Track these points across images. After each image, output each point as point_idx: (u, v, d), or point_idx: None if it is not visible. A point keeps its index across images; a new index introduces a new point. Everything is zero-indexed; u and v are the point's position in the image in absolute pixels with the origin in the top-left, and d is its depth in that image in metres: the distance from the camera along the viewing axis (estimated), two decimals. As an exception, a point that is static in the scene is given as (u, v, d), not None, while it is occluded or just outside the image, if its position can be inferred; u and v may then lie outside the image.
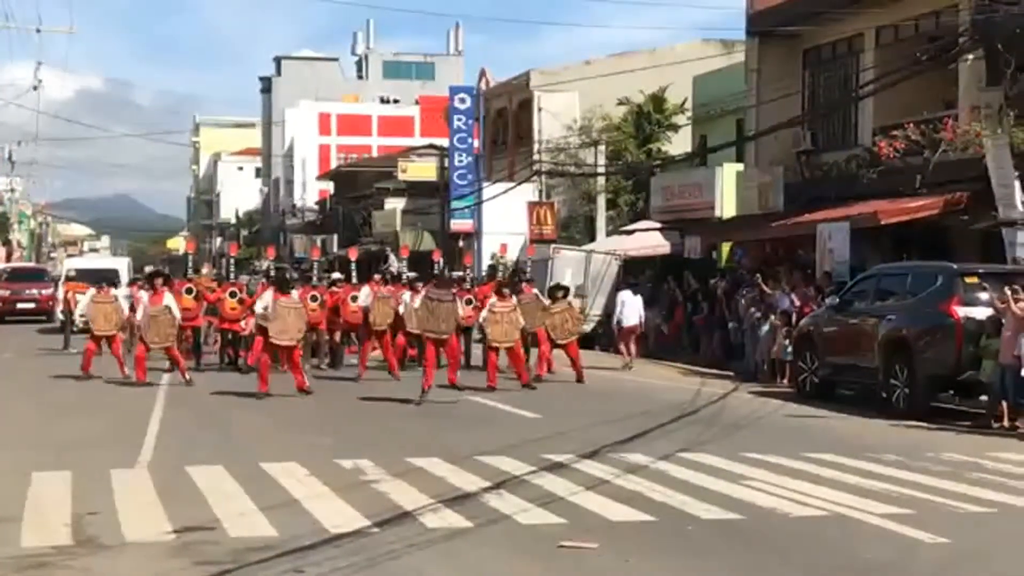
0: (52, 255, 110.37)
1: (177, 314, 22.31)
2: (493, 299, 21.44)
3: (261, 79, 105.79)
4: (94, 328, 23.14)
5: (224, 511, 10.31)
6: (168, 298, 22.38)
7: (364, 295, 24.06)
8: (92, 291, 24.08)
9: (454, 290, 20.65)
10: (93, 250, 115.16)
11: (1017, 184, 21.24)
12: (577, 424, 16.43)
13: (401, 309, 23.03)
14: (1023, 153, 21.69)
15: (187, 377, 21.94)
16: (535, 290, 24.32)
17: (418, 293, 23.90)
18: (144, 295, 23.17)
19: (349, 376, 23.08)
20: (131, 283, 32.77)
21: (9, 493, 11.04)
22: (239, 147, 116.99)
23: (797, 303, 23.61)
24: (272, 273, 30.47)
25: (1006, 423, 16.83)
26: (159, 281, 23.14)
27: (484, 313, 21.43)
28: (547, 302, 23.37)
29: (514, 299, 21.34)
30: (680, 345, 31.22)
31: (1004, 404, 16.93)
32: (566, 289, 24.88)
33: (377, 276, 25.68)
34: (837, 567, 8.78)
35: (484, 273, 38.74)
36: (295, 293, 20.93)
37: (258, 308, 20.20)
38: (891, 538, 9.77)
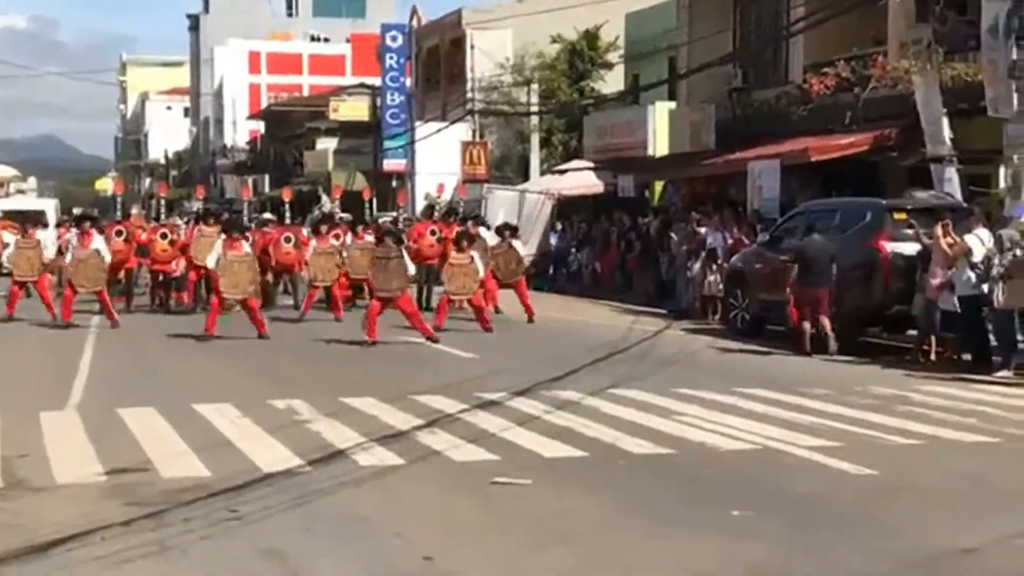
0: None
1: (107, 257, 22.01)
2: (452, 251, 21.21)
3: (189, 16, 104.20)
4: (16, 273, 22.69)
5: (156, 452, 10.27)
6: (98, 241, 22.08)
7: (311, 251, 23.77)
8: (16, 238, 23.58)
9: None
10: (20, 192, 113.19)
11: (945, 120, 21.41)
12: (511, 363, 16.49)
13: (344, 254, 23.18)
14: (952, 89, 21.84)
15: (114, 319, 21.70)
16: (481, 228, 24.27)
17: (359, 238, 23.92)
18: (73, 238, 22.83)
19: (283, 317, 22.95)
20: (59, 225, 32.38)
21: (-64, 437, 10.91)
22: (167, 86, 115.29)
23: (729, 241, 23.73)
24: (201, 213, 30.16)
25: (933, 357, 17.07)
26: (87, 224, 22.81)
27: (445, 266, 21.30)
28: (492, 242, 23.34)
29: (472, 252, 21.13)
30: (613, 284, 31.35)
31: (932, 339, 17.18)
32: (514, 228, 24.86)
33: (324, 228, 25.19)
34: (767, 500, 8.89)
35: (420, 212, 38.64)
36: (246, 245, 20.62)
37: (210, 263, 19.96)
38: (820, 471, 9.92)
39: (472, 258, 20.89)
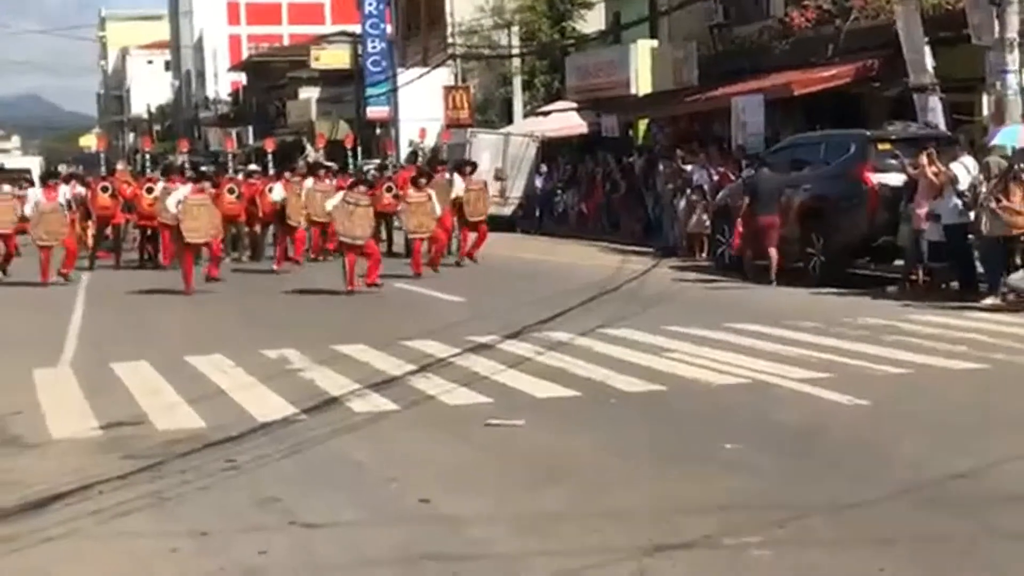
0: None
1: (65, 213, 21.90)
2: (409, 190, 21.36)
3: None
4: None
5: (150, 405, 10.30)
6: (63, 195, 22.21)
7: (278, 191, 23.85)
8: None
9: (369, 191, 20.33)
10: (3, 151, 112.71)
11: (927, 49, 21.36)
12: (500, 306, 16.52)
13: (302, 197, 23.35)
14: (933, 18, 21.80)
15: (68, 271, 21.61)
16: (447, 173, 24.20)
17: (321, 180, 23.92)
18: (38, 192, 22.56)
19: (265, 269, 22.98)
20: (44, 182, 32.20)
21: (-70, 397, 10.92)
22: (147, 40, 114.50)
23: (715, 177, 23.73)
24: (180, 166, 30.13)
25: (921, 286, 17.13)
26: (52, 181, 23.09)
27: (400, 205, 21.37)
28: (458, 181, 23.29)
29: (428, 190, 21.20)
30: (600, 224, 31.37)
31: (919, 268, 17.24)
32: (474, 165, 24.87)
33: (288, 173, 25.48)
34: (759, 433, 8.96)
35: (404, 159, 38.55)
36: (208, 187, 20.62)
37: (170, 204, 19.91)
38: (811, 402, 9.99)
39: (429, 196, 20.94)
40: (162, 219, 22.86)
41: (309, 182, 24.34)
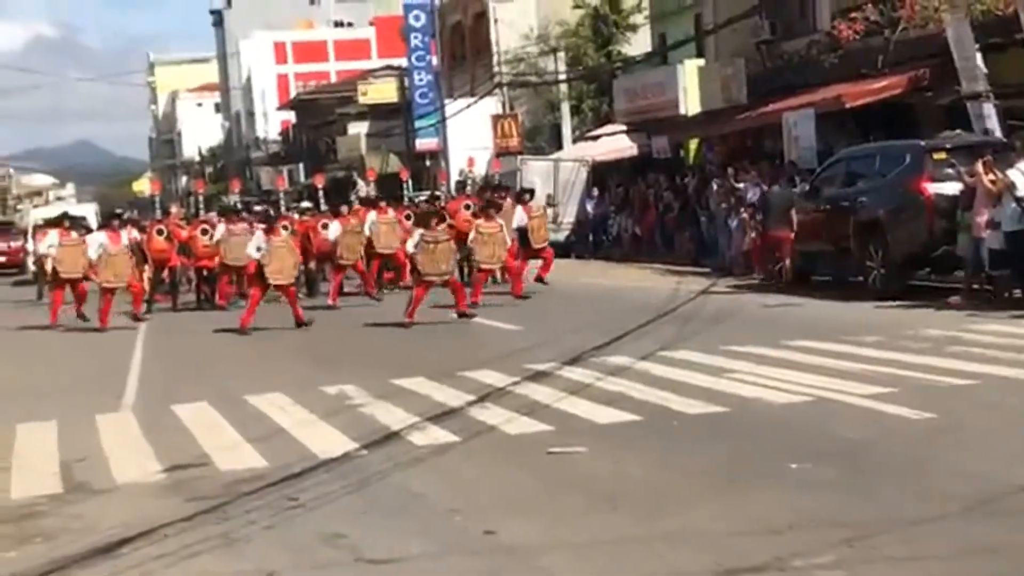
0: (18, 207, 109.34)
1: (130, 255, 22.14)
2: (480, 220, 21.18)
3: (212, 12, 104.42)
4: (60, 270, 22.18)
5: (212, 446, 10.32)
6: (125, 238, 22.47)
7: (334, 229, 23.88)
8: (54, 233, 23.38)
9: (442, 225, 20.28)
10: (59, 199, 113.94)
11: (979, 56, 21.15)
12: (556, 332, 16.47)
13: (367, 231, 23.40)
14: (983, 24, 21.60)
15: (139, 312, 21.80)
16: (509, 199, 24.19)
17: (383, 212, 23.97)
18: (103, 237, 22.67)
19: (321, 305, 23.04)
20: (100, 228, 32.51)
21: (-5, 446, 11.00)
22: (196, 83, 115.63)
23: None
24: (234, 207, 30.36)
25: (983, 295, 16.91)
26: (115, 223, 23.18)
27: (472, 235, 21.22)
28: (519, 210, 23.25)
29: (499, 220, 21.05)
30: (654, 246, 31.26)
31: (980, 277, 17.02)
32: (531, 192, 24.84)
33: (345, 208, 25.57)
34: (824, 450, 8.84)
35: (453, 189, 38.63)
36: (284, 231, 20.75)
37: (252, 251, 19.95)
38: (875, 417, 9.86)
39: (501, 226, 20.86)
40: (228, 261, 23.12)
41: (372, 215, 24.38)
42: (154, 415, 12.09)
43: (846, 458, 8.59)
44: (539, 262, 22.73)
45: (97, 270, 21.76)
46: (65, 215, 27.13)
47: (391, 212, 24.70)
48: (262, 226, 20.99)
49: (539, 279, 22.80)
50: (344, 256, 23.41)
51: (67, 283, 22.35)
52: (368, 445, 9.87)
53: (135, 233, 25.41)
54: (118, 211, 29.22)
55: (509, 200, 24.00)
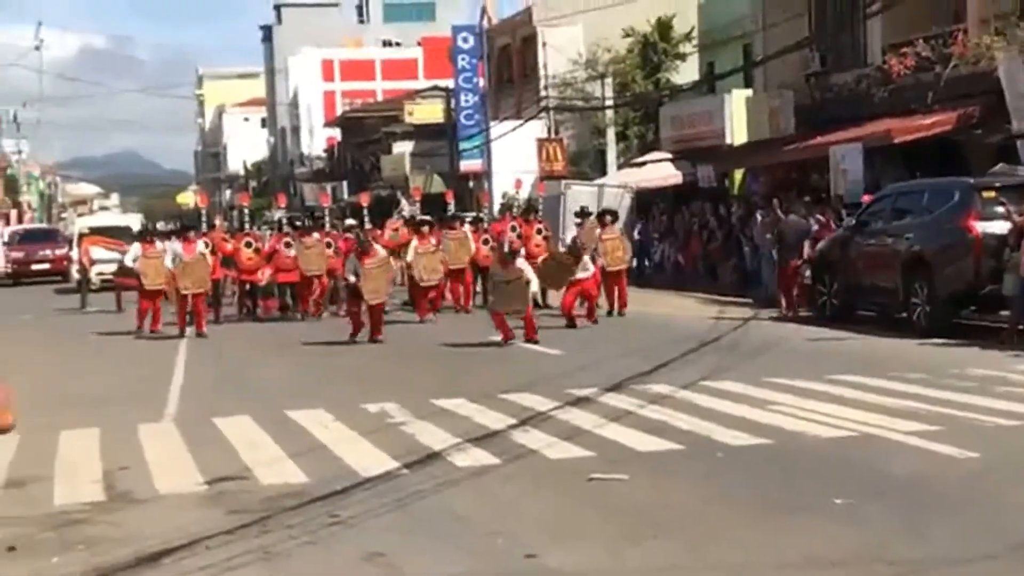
0: (63, 215, 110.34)
1: (209, 260, 23.08)
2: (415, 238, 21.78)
3: (262, 28, 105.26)
4: (145, 282, 22.61)
5: (254, 460, 10.35)
6: (201, 246, 23.24)
7: (411, 251, 24.06)
8: (137, 245, 23.93)
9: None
10: (103, 208, 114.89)
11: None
12: (598, 358, 16.44)
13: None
14: (1035, 64, 21.48)
15: (203, 330, 22.01)
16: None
17: (425, 239, 23.94)
18: (178, 246, 23.35)
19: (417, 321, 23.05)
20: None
21: (39, 453, 11.08)
22: (243, 98, 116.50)
23: (815, 227, 23.46)
24: (284, 222, 30.45)
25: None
26: (191, 233, 24.12)
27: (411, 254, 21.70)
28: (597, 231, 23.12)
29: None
30: (697, 275, 31.16)
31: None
32: (614, 213, 24.64)
33: (425, 228, 25.41)
34: (869, 486, 8.78)
35: (497, 211, 38.71)
36: (379, 250, 20.88)
37: (350, 275, 20.00)
38: (921, 455, 9.78)
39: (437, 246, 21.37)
40: (307, 272, 24.24)
41: (414, 242, 24.28)
42: (196, 427, 12.14)
43: (891, 495, 8.52)
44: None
45: (176, 277, 22.19)
46: (145, 228, 27.89)
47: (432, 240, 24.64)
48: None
49: (619, 312, 22.62)
50: (425, 278, 23.54)
51: (152, 294, 22.68)
52: (409, 464, 9.88)
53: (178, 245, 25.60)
54: (187, 223, 29.34)
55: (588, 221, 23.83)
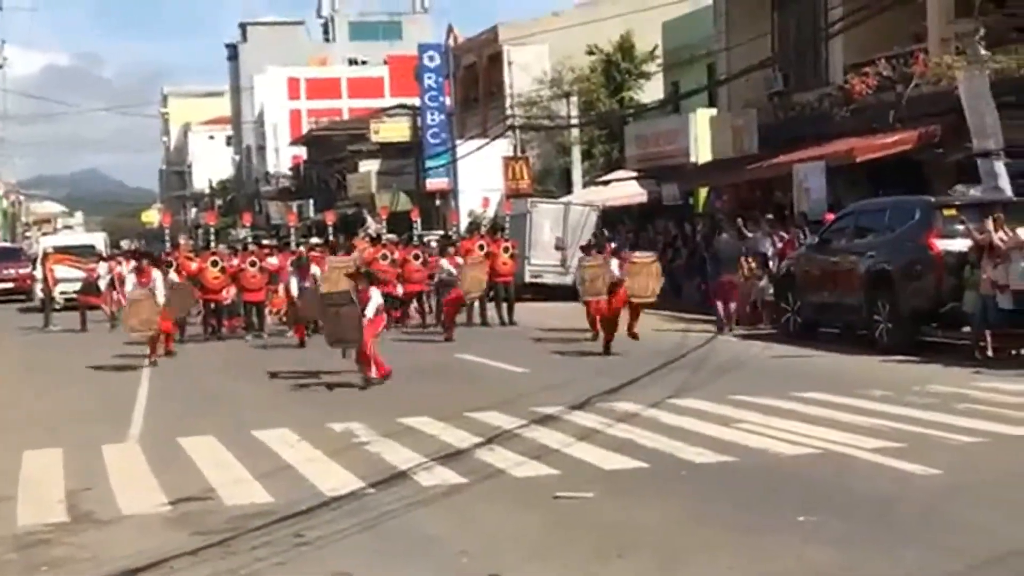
0: (27, 234, 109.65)
1: (160, 300, 20.27)
2: (613, 261, 20.52)
3: (227, 46, 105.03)
4: (132, 324, 20.25)
5: (219, 480, 10.32)
6: (156, 280, 20.74)
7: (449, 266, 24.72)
8: (105, 265, 23.22)
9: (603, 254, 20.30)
10: (67, 227, 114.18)
11: (990, 113, 21.20)
12: (564, 376, 16.48)
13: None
14: (995, 83, 21.66)
15: (171, 350, 21.56)
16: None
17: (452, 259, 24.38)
18: (131, 276, 21.91)
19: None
20: (109, 258, 32.66)
21: (1, 472, 11.01)
22: (209, 116, 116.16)
23: (779, 245, 23.63)
24: (250, 241, 30.46)
25: (990, 353, 16.90)
26: (145, 262, 21.89)
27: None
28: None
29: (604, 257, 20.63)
30: (662, 293, 31.18)
31: (987, 334, 17.02)
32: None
33: (451, 248, 26.05)
34: (832, 504, 8.83)
35: (464, 230, 38.73)
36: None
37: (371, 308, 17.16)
38: (884, 472, 9.85)
39: (606, 262, 20.17)
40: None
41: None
42: (160, 447, 12.09)
43: (854, 512, 8.58)
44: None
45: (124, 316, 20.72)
46: (138, 251, 27.17)
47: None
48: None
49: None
50: (471, 291, 23.80)
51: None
52: (375, 484, 9.87)
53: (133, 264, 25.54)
54: (142, 248, 29.08)
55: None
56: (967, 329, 17.82)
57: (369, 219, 47.08)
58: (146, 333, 20.05)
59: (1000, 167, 20.91)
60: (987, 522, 8.23)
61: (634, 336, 20.03)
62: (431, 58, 50.16)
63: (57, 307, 31.91)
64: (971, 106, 21.40)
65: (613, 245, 23.70)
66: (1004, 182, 20.70)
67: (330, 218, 35.91)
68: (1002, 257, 16.51)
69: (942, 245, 17.91)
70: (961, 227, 17.77)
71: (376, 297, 16.83)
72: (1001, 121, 21.14)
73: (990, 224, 16.66)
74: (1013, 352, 16.75)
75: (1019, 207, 17.68)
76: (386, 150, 57.12)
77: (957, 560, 7.29)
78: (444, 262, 25.48)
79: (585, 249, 21.58)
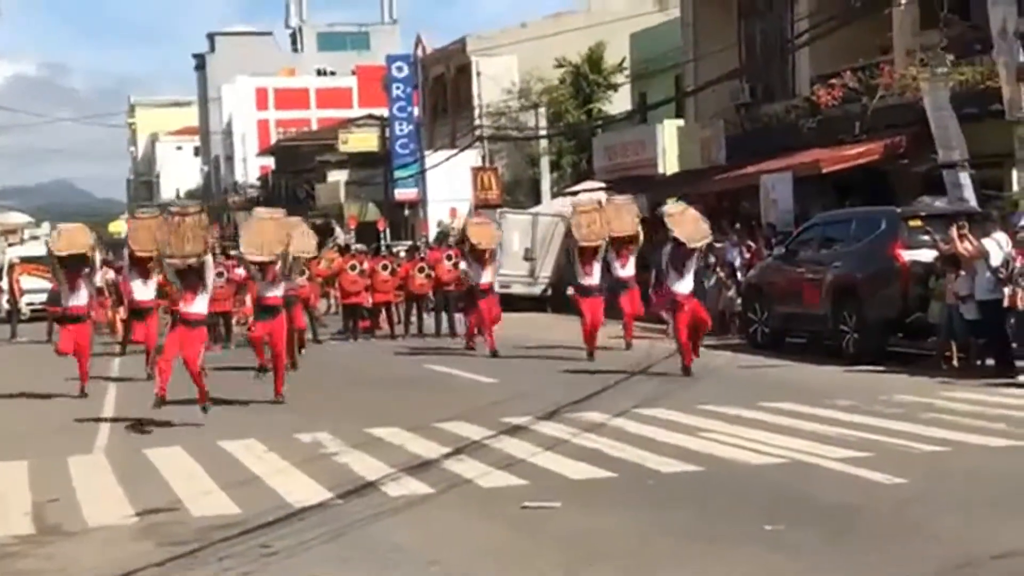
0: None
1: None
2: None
3: (195, 56, 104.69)
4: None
5: (185, 491, 10.29)
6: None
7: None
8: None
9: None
10: (34, 238, 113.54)
11: (956, 125, 21.37)
12: (533, 386, 16.49)
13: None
14: (959, 94, 21.84)
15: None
16: None
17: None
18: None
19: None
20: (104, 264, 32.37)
21: (-33, 485, 10.95)
22: (177, 126, 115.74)
23: (746, 255, 23.73)
24: (219, 251, 30.24)
25: (955, 363, 17.02)
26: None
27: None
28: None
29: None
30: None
31: (952, 344, 17.14)
32: None
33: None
34: (799, 513, 8.88)
35: (432, 240, 38.76)
36: None
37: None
38: (850, 481, 9.91)
39: None
40: None
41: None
42: (127, 458, 12.05)
43: (820, 521, 8.63)
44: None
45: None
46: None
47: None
48: None
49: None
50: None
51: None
52: (344, 495, 9.87)
53: (111, 275, 25.37)
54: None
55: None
56: (933, 339, 17.94)
57: (338, 229, 46.99)
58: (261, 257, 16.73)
59: (965, 178, 21.07)
60: (952, 529, 8.29)
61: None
62: (399, 69, 50.15)
63: (23, 318, 31.70)
64: (936, 117, 21.57)
65: None
66: (969, 193, 20.85)
67: (299, 229, 35.75)
68: (966, 268, 16.61)
69: (908, 255, 18.02)
70: (927, 237, 17.88)
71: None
72: (964, 133, 21.31)
73: (954, 234, 16.77)
74: (978, 362, 16.86)
75: (983, 218, 17.78)
76: (355, 160, 57.05)
77: (923, 567, 7.35)
78: (463, 265, 23.85)
79: None
